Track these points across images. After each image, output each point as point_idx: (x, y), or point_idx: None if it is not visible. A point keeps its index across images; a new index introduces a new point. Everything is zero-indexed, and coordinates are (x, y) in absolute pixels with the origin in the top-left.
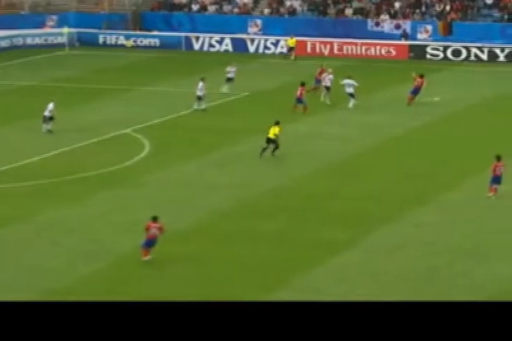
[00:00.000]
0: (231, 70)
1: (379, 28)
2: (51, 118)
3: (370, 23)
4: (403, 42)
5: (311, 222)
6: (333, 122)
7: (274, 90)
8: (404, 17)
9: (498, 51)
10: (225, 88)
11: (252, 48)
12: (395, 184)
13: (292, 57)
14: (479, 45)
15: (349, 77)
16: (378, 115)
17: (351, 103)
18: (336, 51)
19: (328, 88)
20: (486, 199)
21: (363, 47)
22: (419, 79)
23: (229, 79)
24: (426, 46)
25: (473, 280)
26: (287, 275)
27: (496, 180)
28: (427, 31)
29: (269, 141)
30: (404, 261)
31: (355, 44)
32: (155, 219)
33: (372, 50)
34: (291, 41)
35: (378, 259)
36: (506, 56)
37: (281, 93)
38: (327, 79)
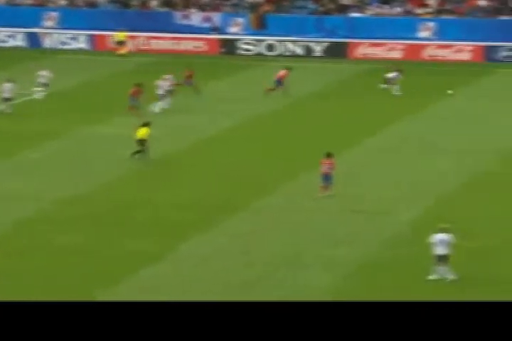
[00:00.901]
0: (43, 74)
1: (187, 21)
2: None
3: (177, 15)
4: (213, 36)
5: (116, 232)
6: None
7: (74, 89)
8: (215, 9)
9: (313, 45)
10: (37, 93)
11: (47, 43)
12: (209, 189)
13: (122, 52)
14: (294, 39)
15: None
16: (191, 115)
17: (157, 107)
18: (141, 46)
19: (163, 96)
20: (308, 203)
21: (171, 42)
22: (282, 71)
23: (43, 85)
24: (238, 40)
25: (291, 290)
26: (91, 290)
27: (324, 178)
28: (238, 24)
29: (140, 142)
30: (218, 271)
31: (162, 38)
32: None
33: (181, 44)
34: (121, 35)
35: (190, 270)
36: (323, 51)
37: (81, 92)
38: (163, 87)
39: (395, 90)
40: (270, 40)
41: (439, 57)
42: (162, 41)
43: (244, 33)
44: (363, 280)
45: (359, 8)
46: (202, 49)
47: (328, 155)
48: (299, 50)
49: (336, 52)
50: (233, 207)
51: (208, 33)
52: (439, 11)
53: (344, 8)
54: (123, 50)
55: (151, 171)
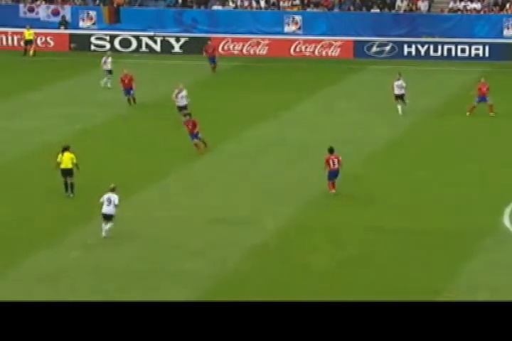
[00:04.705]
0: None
1: (33, 15)
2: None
3: (22, 8)
4: (62, 30)
5: None
6: None
7: None
8: (64, 2)
9: (172, 41)
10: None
11: None
12: (52, 202)
13: (31, 53)
14: (151, 33)
15: None
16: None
17: None
18: None
19: None
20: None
21: (16, 37)
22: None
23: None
24: (89, 35)
25: None
26: None
27: (333, 174)
28: (90, 18)
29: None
30: (69, 290)
31: (6, 33)
32: None
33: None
34: (28, 33)
35: (37, 290)
36: (182, 47)
37: None
38: None
39: None
40: (124, 35)
41: (306, 53)
42: (5, 36)
43: (97, 27)
44: (227, 294)
45: (220, 0)
46: (50, 45)
47: (332, 150)
48: (157, 47)
49: (197, 48)
50: (81, 218)
51: (56, 28)
52: (305, 4)
53: (205, 1)
54: (31, 51)
55: None
